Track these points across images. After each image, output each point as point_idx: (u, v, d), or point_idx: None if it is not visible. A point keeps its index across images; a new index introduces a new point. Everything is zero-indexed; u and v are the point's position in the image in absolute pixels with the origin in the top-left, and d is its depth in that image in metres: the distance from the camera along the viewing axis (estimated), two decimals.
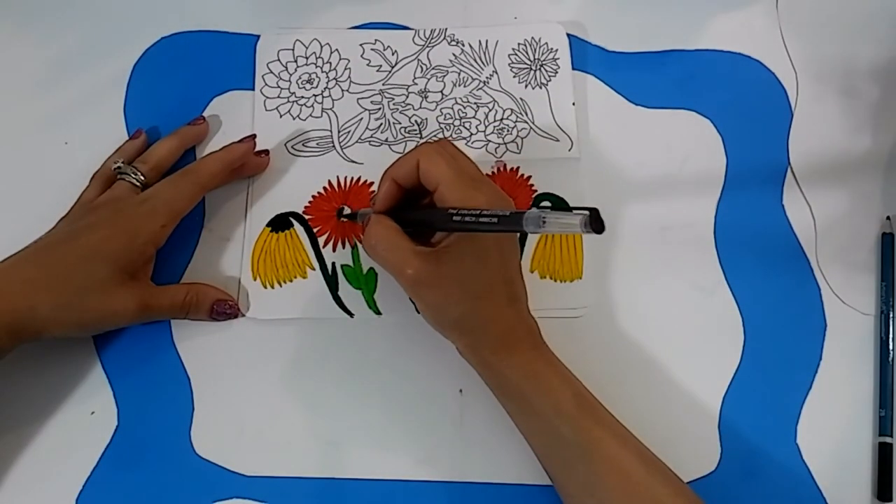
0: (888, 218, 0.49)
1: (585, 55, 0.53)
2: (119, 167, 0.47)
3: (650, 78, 0.53)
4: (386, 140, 0.51)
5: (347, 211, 0.49)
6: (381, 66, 0.53)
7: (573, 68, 0.53)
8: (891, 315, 0.47)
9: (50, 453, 0.44)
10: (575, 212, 0.31)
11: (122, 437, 0.44)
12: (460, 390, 0.45)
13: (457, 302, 0.40)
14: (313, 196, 0.50)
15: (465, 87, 0.52)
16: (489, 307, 0.40)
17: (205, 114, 0.51)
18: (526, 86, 0.53)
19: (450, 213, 0.38)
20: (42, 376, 0.45)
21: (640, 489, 0.38)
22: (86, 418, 0.45)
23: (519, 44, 0.54)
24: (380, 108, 0.52)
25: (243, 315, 0.47)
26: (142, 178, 0.46)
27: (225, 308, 0.46)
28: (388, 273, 0.41)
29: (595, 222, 0.31)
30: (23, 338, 0.41)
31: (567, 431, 0.39)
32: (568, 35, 0.53)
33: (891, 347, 0.46)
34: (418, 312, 0.45)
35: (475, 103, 0.52)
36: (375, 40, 0.54)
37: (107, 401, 0.45)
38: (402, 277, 0.40)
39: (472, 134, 0.51)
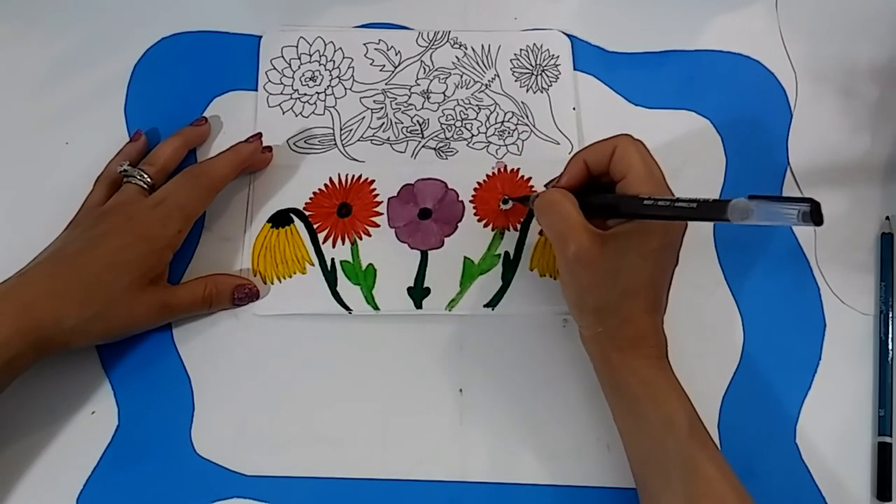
0: (887, 218, 0.49)
1: (585, 55, 0.54)
2: (125, 170, 0.46)
3: (650, 78, 0.53)
4: (388, 139, 0.51)
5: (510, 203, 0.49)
6: (384, 65, 0.53)
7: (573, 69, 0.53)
8: (890, 315, 0.47)
9: (50, 453, 0.44)
10: (789, 203, 0.28)
11: (123, 437, 0.44)
12: (460, 390, 0.45)
13: (604, 290, 0.39)
14: (314, 193, 0.50)
15: (467, 89, 0.53)
16: (631, 307, 0.40)
17: (205, 114, 0.51)
18: (527, 90, 0.53)
19: (640, 198, 0.37)
20: (42, 376, 0.45)
21: None
22: (86, 418, 0.44)
23: (521, 49, 0.54)
24: (382, 108, 0.52)
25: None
26: (149, 180, 0.46)
27: (245, 292, 0.46)
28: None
29: (815, 214, 0.28)
30: (48, 352, 0.41)
31: (673, 446, 0.38)
32: (567, 35, 0.54)
33: (890, 347, 0.46)
34: (554, 278, 0.46)
35: (477, 105, 0.52)
36: (379, 40, 0.54)
37: (107, 400, 0.45)
38: (564, 249, 0.39)
39: (473, 135, 0.51)
